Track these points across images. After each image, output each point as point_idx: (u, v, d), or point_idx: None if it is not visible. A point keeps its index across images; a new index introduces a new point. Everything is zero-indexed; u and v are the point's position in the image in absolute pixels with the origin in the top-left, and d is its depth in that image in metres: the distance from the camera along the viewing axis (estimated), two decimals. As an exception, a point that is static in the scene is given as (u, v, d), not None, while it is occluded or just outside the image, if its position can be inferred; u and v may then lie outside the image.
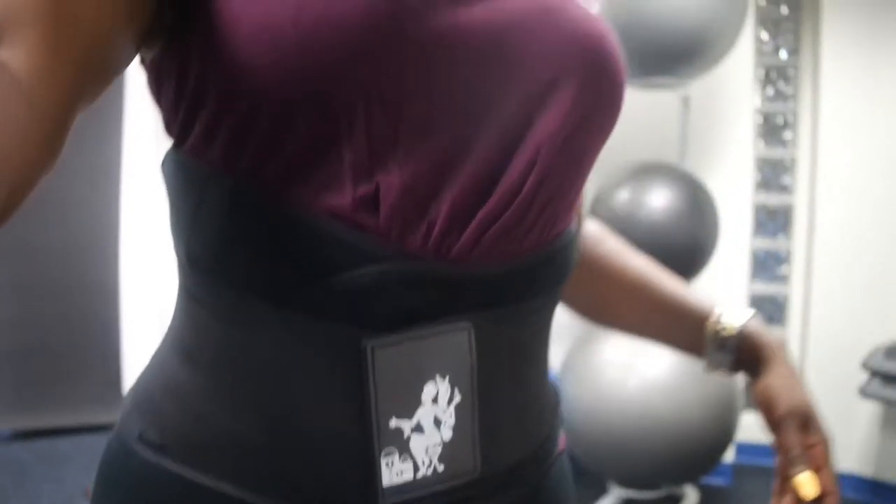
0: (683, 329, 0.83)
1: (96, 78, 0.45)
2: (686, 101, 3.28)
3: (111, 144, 4.44)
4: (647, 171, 3.01)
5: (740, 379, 3.24)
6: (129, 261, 4.55)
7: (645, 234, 2.86)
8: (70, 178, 4.31)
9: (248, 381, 0.55)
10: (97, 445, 4.11)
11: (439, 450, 0.55)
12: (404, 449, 0.54)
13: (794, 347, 3.55)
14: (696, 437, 2.77)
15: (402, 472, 0.54)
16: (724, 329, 0.80)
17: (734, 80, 3.42)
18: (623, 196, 2.96)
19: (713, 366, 0.82)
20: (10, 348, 4.18)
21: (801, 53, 3.60)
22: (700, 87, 3.33)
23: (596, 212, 3.02)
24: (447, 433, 0.55)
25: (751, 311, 0.81)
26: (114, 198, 4.45)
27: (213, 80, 0.51)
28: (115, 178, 4.45)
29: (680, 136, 3.30)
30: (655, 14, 2.76)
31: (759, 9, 3.56)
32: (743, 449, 3.50)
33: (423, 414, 0.54)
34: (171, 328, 0.63)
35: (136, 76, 4.60)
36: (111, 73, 0.47)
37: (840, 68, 3.33)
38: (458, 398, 0.55)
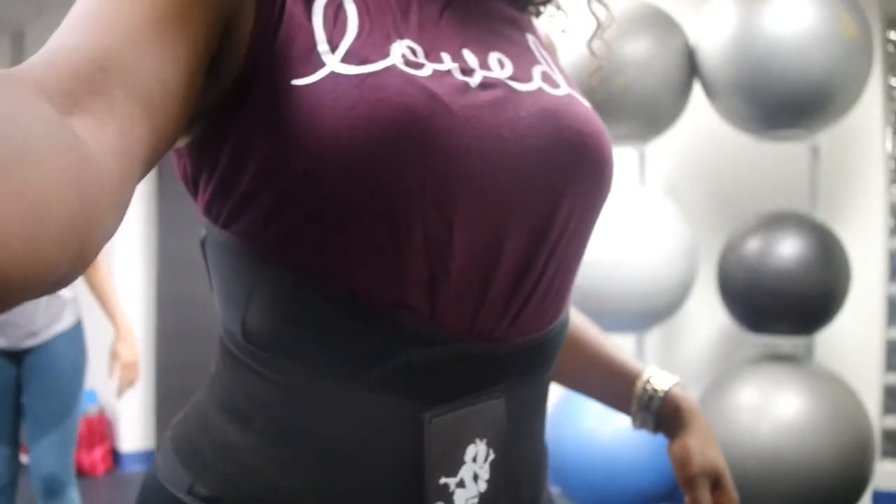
0: (615, 387, 0.89)
1: (159, 156, 0.48)
2: (816, 151, 3.32)
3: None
4: (778, 221, 3.06)
5: (877, 424, 3.23)
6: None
7: (775, 283, 2.92)
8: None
9: (305, 446, 0.60)
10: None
11: (476, 500, 0.63)
12: (449, 501, 0.61)
13: (933, 394, 3.49)
14: (830, 485, 2.78)
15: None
16: (649, 391, 0.86)
17: (864, 127, 3.44)
18: (754, 245, 3.02)
19: (638, 424, 0.89)
20: (174, 392, 4.51)
21: (933, 98, 3.59)
22: (830, 135, 3.36)
23: (727, 262, 3.09)
24: (483, 486, 0.63)
25: (674, 378, 0.88)
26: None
27: (272, 184, 0.55)
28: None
29: (810, 185, 3.34)
30: (783, 67, 2.83)
31: (886, 55, 3.57)
32: (880, 497, 3.46)
33: (465, 471, 0.62)
34: (215, 386, 0.67)
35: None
36: (168, 149, 0.50)
37: (975, 113, 3.31)
38: (492, 456, 0.63)
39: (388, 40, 0.59)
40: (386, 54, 0.57)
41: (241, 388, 0.63)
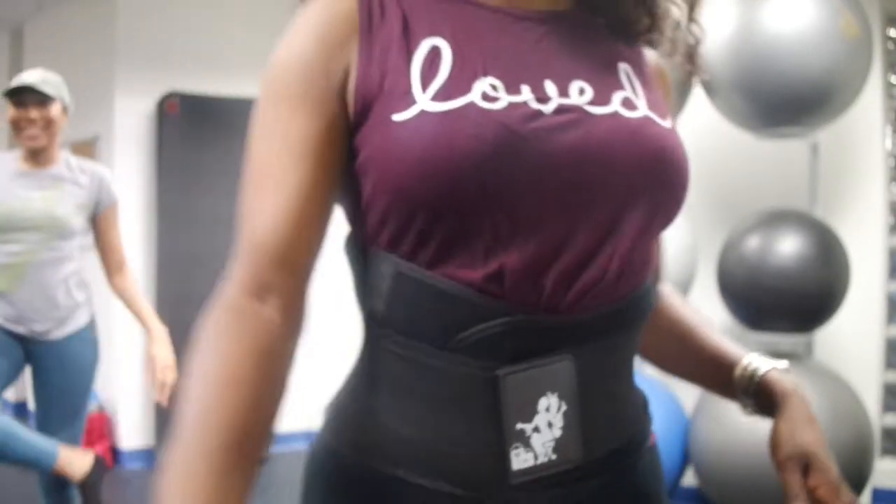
0: (715, 374, 0.94)
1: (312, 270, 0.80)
2: (815, 148, 3.33)
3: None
4: (777, 219, 3.07)
5: (876, 422, 3.23)
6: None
7: (775, 281, 2.93)
8: (227, 240, 4.65)
9: (416, 401, 0.78)
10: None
11: (552, 444, 0.76)
12: (527, 444, 0.75)
13: (932, 392, 3.50)
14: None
15: (525, 460, 0.75)
16: (747, 376, 0.90)
17: (863, 125, 3.44)
18: (753, 243, 3.02)
19: (744, 408, 0.93)
20: (175, 387, 4.52)
21: (933, 96, 3.59)
22: (829, 133, 3.36)
23: (726, 259, 3.10)
24: (557, 432, 0.76)
25: (775, 362, 0.91)
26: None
27: (382, 197, 0.74)
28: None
29: (810, 183, 3.34)
30: (782, 65, 2.83)
31: (886, 53, 3.58)
32: (880, 495, 3.46)
33: (540, 419, 0.75)
34: (359, 362, 0.85)
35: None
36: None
37: (975, 111, 3.31)
38: (564, 407, 0.76)
39: (473, 78, 0.74)
40: (468, 91, 0.72)
41: (372, 360, 0.81)
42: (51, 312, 2.53)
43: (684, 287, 3.12)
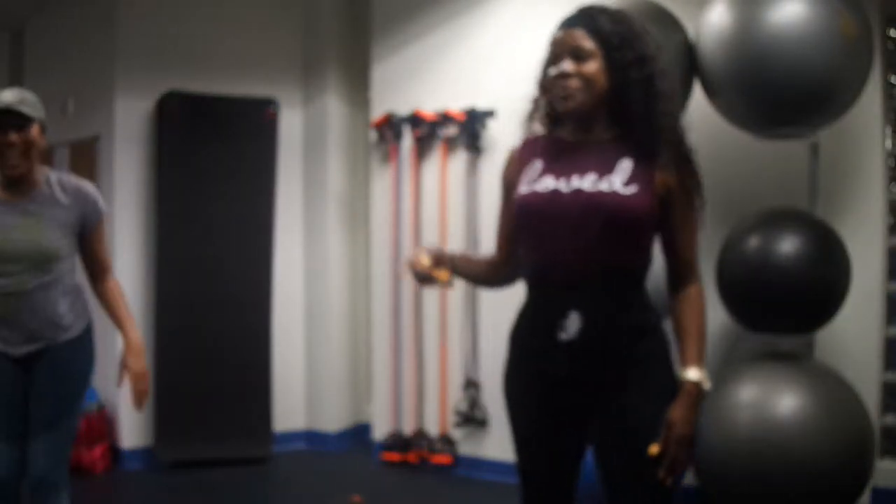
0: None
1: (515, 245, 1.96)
2: (815, 148, 3.33)
3: (264, 211, 4.79)
4: (777, 219, 3.07)
5: (876, 422, 3.23)
6: (280, 311, 4.88)
7: (775, 281, 2.93)
8: (226, 241, 4.65)
9: (523, 306, 1.91)
10: (248, 477, 4.40)
11: (577, 335, 1.76)
12: (563, 329, 1.75)
13: (932, 392, 3.49)
14: (829, 483, 2.79)
15: (563, 337, 1.76)
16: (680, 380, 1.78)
17: (864, 125, 3.44)
18: (753, 243, 3.02)
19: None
20: (173, 389, 4.53)
21: (933, 96, 3.59)
22: (829, 133, 3.36)
23: (726, 259, 3.10)
24: (576, 327, 1.76)
25: (697, 376, 1.75)
26: (266, 255, 4.79)
27: (516, 219, 1.89)
28: (268, 240, 4.79)
29: (809, 183, 3.34)
30: (782, 65, 2.83)
31: (886, 53, 3.57)
32: (880, 495, 3.46)
33: (570, 323, 1.75)
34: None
35: (286, 147, 4.94)
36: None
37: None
38: (582, 320, 1.75)
39: (543, 176, 1.82)
40: (537, 183, 1.81)
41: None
42: (55, 328, 2.55)
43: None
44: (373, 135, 4.78)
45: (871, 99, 3.35)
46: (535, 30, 4.09)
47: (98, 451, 4.41)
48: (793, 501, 2.80)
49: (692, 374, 1.73)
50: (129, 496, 4.21)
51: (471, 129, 4.35)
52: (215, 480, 4.37)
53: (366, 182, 5.07)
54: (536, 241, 1.82)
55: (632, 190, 1.72)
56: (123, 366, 2.62)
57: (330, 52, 5.03)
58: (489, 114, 4.30)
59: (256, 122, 4.73)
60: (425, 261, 1.96)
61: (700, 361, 1.75)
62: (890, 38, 3.63)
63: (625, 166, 1.75)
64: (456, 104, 4.41)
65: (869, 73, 2.99)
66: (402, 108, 4.60)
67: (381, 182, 4.77)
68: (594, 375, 1.76)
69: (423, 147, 4.59)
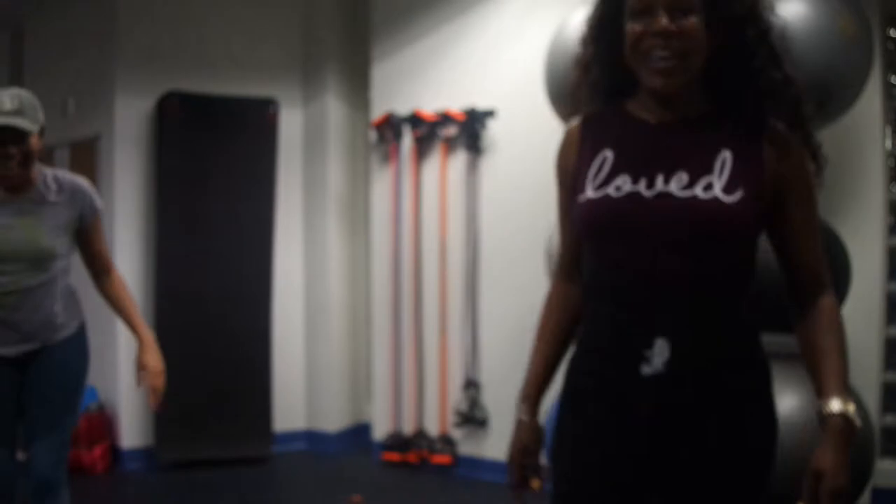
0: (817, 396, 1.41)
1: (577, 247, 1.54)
2: (814, 148, 3.32)
3: (265, 211, 4.79)
4: (776, 219, 3.06)
5: (876, 422, 3.23)
6: (280, 311, 4.88)
7: (774, 281, 2.92)
8: (227, 240, 4.65)
9: (586, 330, 1.50)
10: (248, 477, 4.40)
11: (662, 362, 1.37)
12: (647, 360, 1.36)
13: (932, 392, 3.49)
14: (831, 481, 2.78)
15: (647, 370, 1.36)
16: (819, 411, 1.38)
17: (863, 125, 3.44)
18: (752, 243, 3.02)
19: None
20: (173, 388, 4.51)
21: (933, 96, 3.59)
22: (829, 133, 3.36)
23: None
24: (664, 358, 1.35)
25: (843, 407, 1.34)
26: (266, 254, 4.79)
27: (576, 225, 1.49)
28: (268, 240, 4.79)
29: (808, 183, 3.33)
30: (781, 66, 2.83)
31: (886, 53, 3.57)
32: (880, 495, 3.46)
33: (657, 348, 1.35)
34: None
35: (286, 147, 4.94)
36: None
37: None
38: (670, 344, 1.35)
39: (616, 175, 1.40)
40: (609, 185, 1.40)
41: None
42: (50, 328, 2.55)
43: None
44: (373, 135, 4.78)
45: (871, 99, 3.35)
46: (536, 30, 4.12)
47: (98, 451, 4.41)
48: (792, 501, 2.80)
49: (836, 405, 1.33)
50: (129, 496, 4.21)
51: (471, 129, 4.35)
52: (215, 480, 4.37)
53: (366, 182, 5.07)
54: (609, 258, 1.41)
55: (737, 196, 1.32)
56: (140, 365, 2.62)
57: (330, 52, 5.03)
58: (489, 114, 4.30)
59: (256, 123, 4.73)
60: (537, 484, 1.58)
61: (844, 390, 1.36)
62: (890, 38, 3.63)
63: (725, 160, 1.35)
64: (456, 104, 4.41)
65: (869, 73, 2.99)
66: (402, 108, 4.60)
67: (381, 182, 4.77)
68: (685, 419, 1.37)
69: (423, 147, 4.59)
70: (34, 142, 2.44)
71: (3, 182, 2.46)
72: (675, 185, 1.34)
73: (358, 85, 5.11)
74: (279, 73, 4.99)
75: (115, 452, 4.56)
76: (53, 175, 2.57)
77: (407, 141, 4.63)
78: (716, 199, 1.32)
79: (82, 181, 2.62)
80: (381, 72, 4.76)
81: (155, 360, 2.62)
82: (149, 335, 2.66)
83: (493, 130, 4.33)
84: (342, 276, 5.10)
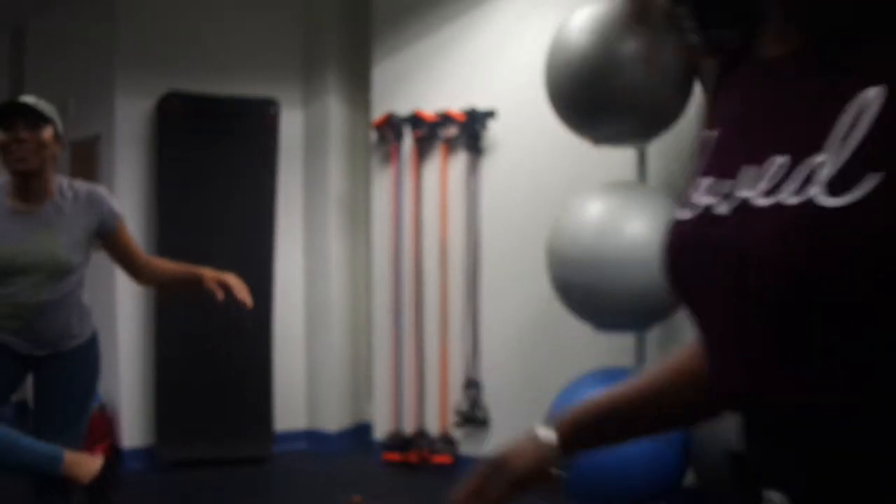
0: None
1: None
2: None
3: (265, 211, 4.79)
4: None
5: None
6: (280, 311, 4.88)
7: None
8: (227, 241, 4.65)
9: None
10: (248, 477, 4.41)
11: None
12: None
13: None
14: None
15: None
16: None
17: None
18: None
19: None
20: (174, 389, 4.53)
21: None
22: None
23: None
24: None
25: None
26: (267, 255, 4.79)
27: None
28: (268, 240, 4.79)
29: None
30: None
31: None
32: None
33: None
34: None
35: (287, 148, 4.94)
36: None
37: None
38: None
39: (706, 171, 0.76)
40: (689, 202, 0.76)
41: None
42: (67, 337, 2.58)
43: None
44: (373, 135, 4.78)
45: None
46: (536, 30, 4.12)
47: (98, 450, 4.40)
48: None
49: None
50: (129, 496, 4.20)
51: (471, 129, 4.35)
52: (215, 480, 4.37)
53: (366, 182, 5.07)
54: (700, 330, 0.81)
55: (862, 191, 0.57)
56: (220, 282, 2.67)
57: (330, 52, 5.03)
58: (489, 114, 4.30)
59: (257, 123, 4.74)
60: None
61: None
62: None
63: (854, 114, 0.60)
64: (456, 104, 4.41)
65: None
66: (403, 109, 4.60)
67: (382, 182, 4.77)
68: None
69: (423, 147, 4.59)
70: (48, 135, 2.48)
71: (14, 167, 2.47)
72: (761, 190, 0.67)
73: (358, 85, 5.11)
74: (280, 74, 4.99)
75: (115, 452, 4.56)
76: (70, 185, 2.60)
77: (407, 141, 4.63)
78: (816, 205, 0.61)
79: (98, 188, 2.67)
80: (381, 72, 4.76)
81: (227, 274, 2.72)
82: (210, 270, 2.69)
83: (494, 131, 4.33)
84: (343, 276, 5.11)
